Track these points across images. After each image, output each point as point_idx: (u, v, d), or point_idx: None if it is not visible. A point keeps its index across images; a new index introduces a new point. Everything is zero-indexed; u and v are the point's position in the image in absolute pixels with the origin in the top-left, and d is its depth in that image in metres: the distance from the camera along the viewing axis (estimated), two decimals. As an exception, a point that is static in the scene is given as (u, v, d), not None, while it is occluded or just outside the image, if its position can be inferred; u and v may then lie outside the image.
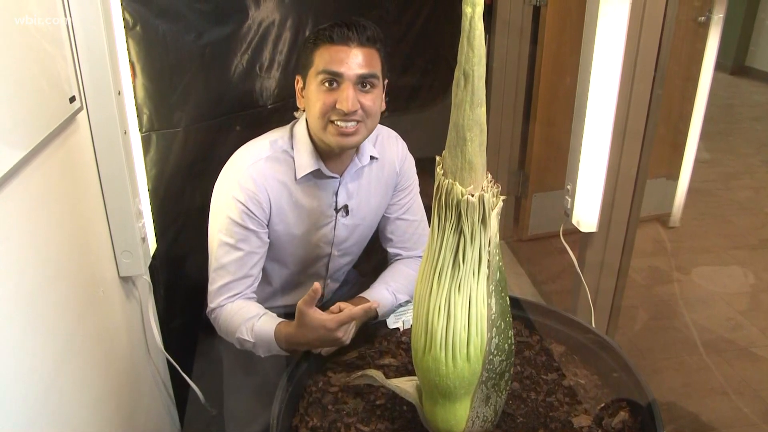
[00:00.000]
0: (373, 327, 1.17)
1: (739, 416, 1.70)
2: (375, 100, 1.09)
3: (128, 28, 1.18)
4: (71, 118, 0.90)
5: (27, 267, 0.74)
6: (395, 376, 1.01)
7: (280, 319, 1.10)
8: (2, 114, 0.67)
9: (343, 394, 1.01)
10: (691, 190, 2.70)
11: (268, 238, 1.19)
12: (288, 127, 1.20)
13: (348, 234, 1.27)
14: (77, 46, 0.93)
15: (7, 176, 0.68)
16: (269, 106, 1.54)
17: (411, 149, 1.32)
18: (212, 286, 1.16)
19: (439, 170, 0.75)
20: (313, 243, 1.25)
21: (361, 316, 1.03)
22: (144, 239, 1.13)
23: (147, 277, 1.19)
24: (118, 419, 1.04)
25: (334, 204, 1.22)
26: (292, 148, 1.16)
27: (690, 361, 1.93)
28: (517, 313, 1.17)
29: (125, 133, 1.05)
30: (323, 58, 1.06)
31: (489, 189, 0.74)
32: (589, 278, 1.51)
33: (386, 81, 1.15)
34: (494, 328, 0.79)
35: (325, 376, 1.05)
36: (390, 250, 1.34)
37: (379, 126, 1.21)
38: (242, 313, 1.13)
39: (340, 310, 1.02)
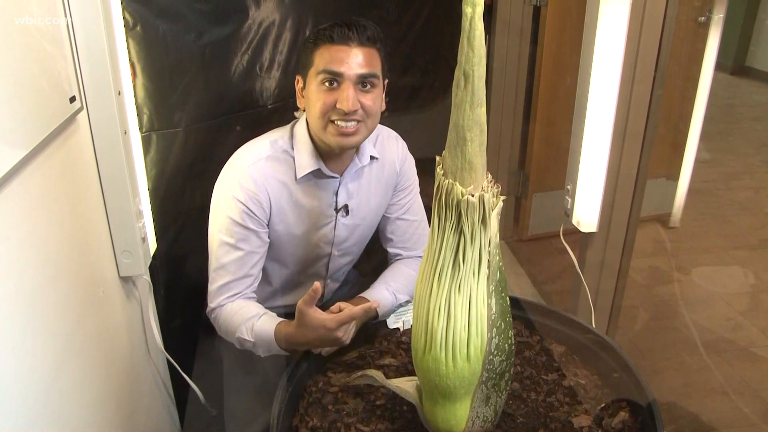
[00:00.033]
0: (373, 327, 1.17)
1: (739, 416, 1.70)
2: (375, 99, 1.09)
3: (128, 28, 1.18)
4: (71, 118, 0.90)
5: (27, 267, 0.74)
6: (395, 376, 1.01)
7: (280, 319, 1.10)
8: (2, 114, 0.67)
9: (343, 394, 1.01)
10: (692, 191, 2.70)
11: (268, 237, 1.19)
12: (288, 127, 1.20)
13: (348, 234, 1.27)
14: (77, 46, 0.93)
15: (8, 176, 0.68)
16: (269, 106, 1.54)
17: (411, 149, 1.32)
18: (212, 286, 1.16)
19: (439, 170, 0.75)
20: (313, 243, 1.25)
21: (361, 316, 1.03)
22: (144, 239, 1.13)
23: (147, 277, 1.19)
24: (118, 419, 1.04)
25: (334, 204, 1.22)
26: (293, 148, 1.16)
27: (690, 362, 1.93)
28: (518, 313, 1.17)
29: (125, 133, 1.05)
30: (323, 57, 1.06)
31: (489, 189, 0.74)
32: (589, 278, 1.51)
33: (386, 81, 1.15)
34: (494, 329, 0.79)
35: (325, 376, 1.05)
36: (390, 250, 1.34)
37: (379, 126, 1.21)
38: (242, 312, 1.13)
39: (340, 310, 1.02)
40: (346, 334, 1.03)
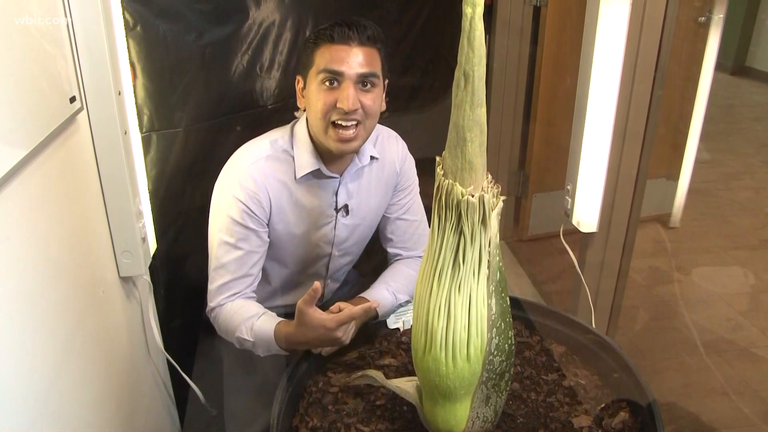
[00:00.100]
0: (373, 327, 1.17)
1: (740, 416, 1.70)
2: (375, 99, 1.09)
3: (129, 29, 1.18)
4: (71, 119, 0.90)
5: (27, 267, 0.74)
6: (395, 377, 1.01)
7: (280, 319, 1.10)
8: (2, 114, 0.67)
9: (343, 395, 1.01)
10: (692, 191, 2.70)
11: (268, 237, 1.19)
12: (288, 126, 1.21)
13: (348, 234, 1.27)
14: (77, 46, 0.93)
15: (8, 176, 0.68)
16: (269, 107, 1.54)
17: (411, 149, 1.32)
18: (212, 285, 1.16)
19: (439, 171, 0.75)
20: (313, 242, 1.25)
21: (360, 316, 1.03)
22: (144, 239, 1.13)
23: (147, 278, 1.19)
24: (118, 419, 1.04)
25: (334, 204, 1.22)
26: (293, 148, 1.16)
27: (690, 362, 1.93)
28: (518, 313, 1.17)
29: (125, 133, 1.05)
30: (324, 57, 1.06)
31: (489, 189, 0.74)
32: (589, 278, 1.51)
33: (386, 81, 1.15)
34: (494, 329, 0.79)
35: (325, 377, 1.05)
36: (390, 250, 1.34)
37: (379, 126, 1.21)
38: (242, 312, 1.13)
39: (340, 310, 1.02)
40: (346, 334, 1.03)
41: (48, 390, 0.78)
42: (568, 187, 1.47)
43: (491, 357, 0.80)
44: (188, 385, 1.29)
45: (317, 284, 0.95)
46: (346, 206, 1.23)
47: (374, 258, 1.43)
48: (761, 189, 3.23)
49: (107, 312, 1.04)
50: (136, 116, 1.17)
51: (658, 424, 0.87)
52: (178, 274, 1.42)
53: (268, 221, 1.17)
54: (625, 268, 1.53)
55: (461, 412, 0.84)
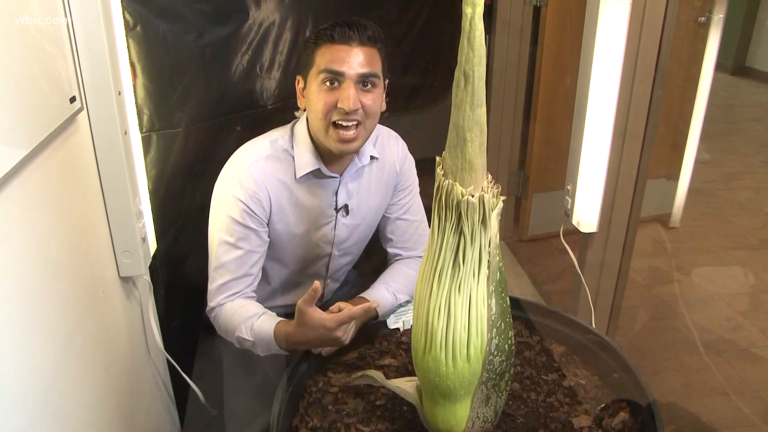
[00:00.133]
0: (373, 327, 1.17)
1: (740, 417, 1.70)
2: (376, 99, 1.09)
3: (129, 29, 1.18)
4: (71, 119, 0.90)
5: (27, 267, 0.74)
6: (395, 377, 1.01)
7: (280, 318, 1.10)
8: (2, 114, 0.67)
9: (343, 395, 1.01)
10: (692, 191, 2.70)
11: (268, 237, 1.19)
12: (288, 126, 1.21)
13: (348, 234, 1.27)
14: (77, 46, 0.93)
15: (8, 176, 0.68)
16: (269, 107, 1.54)
17: (411, 150, 1.32)
18: (212, 285, 1.16)
19: (439, 171, 0.75)
20: (313, 242, 1.25)
21: (360, 315, 1.03)
22: (144, 239, 1.13)
23: (147, 278, 1.19)
24: (118, 419, 1.04)
25: (334, 203, 1.22)
26: (293, 148, 1.16)
27: (690, 362, 1.93)
28: (518, 313, 1.17)
29: (125, 133, 1.05)
30: (324, 57, 1.06)
31: (489, 189, 0.74)
32: (589, 279, 1.51)
33: (387, 81, 1.15)
34: (494, 329, 0.79)
35: (325, 377, 1.05)
36: (390, 250, 1.34)
37: (379, 126, 1.21)
38: (242, 312, 1.13)
39: (340, 310, 1.02)
40: (346, 333, 1.03)
41: (48, 390, 0.78)
42: (568, 187, 1.47)
43: (491, 357, 0.80)
44: (188, 385, 1.29)
45: (317, 284, 0.95)
46: (346, 206, 1.23)
47: (374, 258, 1.43)
48: (761, 189, 3.23)
49: (107, 312, 1.04)
50: (136, 116, 1.17)
51: (658, 424, 0.87)
52: (178, 274, 1.42)
53: (268, 221, 1.17)
54: (625, 268, 1.53)
55: (461, 412, 0.84)
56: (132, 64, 1.20)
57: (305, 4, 1.53)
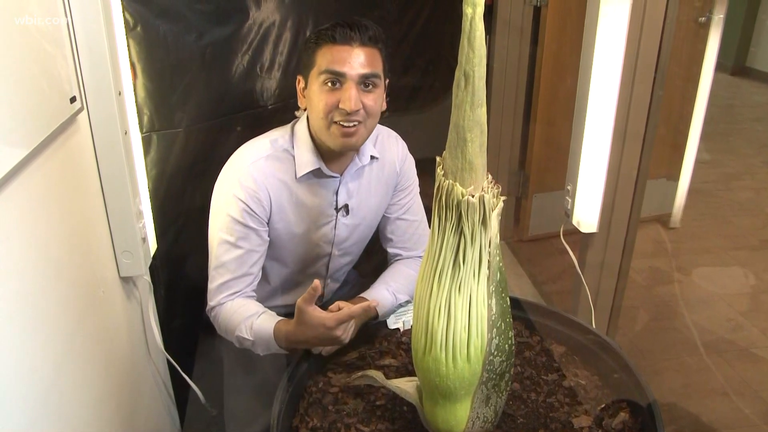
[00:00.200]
0: (373, 327, 1.17)
1: (740, 417, 1.70)
2: (377, 99, 1.09)
3: (129, 29, 1.18)
4: (72, 119, 0.90)
5: (27, 267, 0.74)
6: (395, 377, 1.01)
7: (280, 318, 1.10)
8: (2, 114, 0.67)
9: (343, 395, 1.01)
10: (692, 191, 2.70)
11: (269, 236, 1.19)
12: (289, 126, 1.21)
13: (348, 233, 1.27)
14: (78, 46, 0.93)
15: (8, 176, 0.68)
16: (270, 107, 1.54)
17: (411, 150, 1.32)
18: (212, 284, 1.16)
19: (439, 171, 0.75)
20: (313, 242, 1.25)
21: (360, 314, 1.03)
22: (144, 239, 1.13)
23: (147, 278, 1.19)
24: (118, 419, 1.04)
25: (334, 203, 1.22)
26: (293, 147, 1.16)
27: (690, 362, 1.93)
28: (518, 313, 1.17)
29: (126, 133, 1.05)
30: (326, 57, 1.06)
31: (489, 190, 0.74)
32: (589, 279, 1.51)
33: (387, 81, 1.15)
34: (494, 329, 0.79)
35: (325, 377, 1.05)
36: (390, 250, 1.34)
37: (379, 126, 1.21)
38: (242, 311, 1.13)
39: (339, 309, 1.02)
40: (345, 333, 1.03)
41: (48, 390, 0.78)
42: (569, 188, 1.47)
43: (491, 357, 0.80)
44: (188, 385, 1.29)
45: (317, 282, 0.95)
46: (346, 206, 1.23)
47: (374, 258, 1.43)
48: (761, 189, 3.23)
49: (107, 312, 1.04)
50: (136, 116, 1.17)
51: (658, 424, 0.87)
52: (179, 274, 1.42)
53: (268, 220, 1.17)
54: (626, 268, 1.53)
55: (461, 412, 0.84)
56: (132, 65, 1.20)
57: (305, 4, 1.53)
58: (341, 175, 1.19)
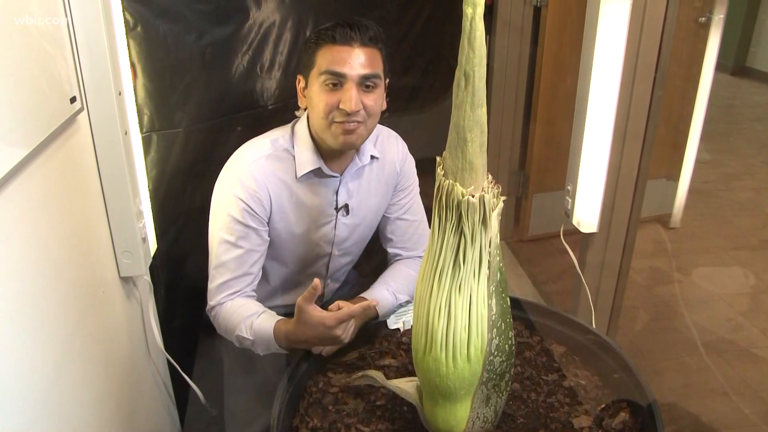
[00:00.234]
0: (373, 327, 1.17)
1: (740, 417, 1.70)
2: (377, 100, 1.10)
3: (129, 29, 1.18)
4: (72, 119, 0.90)
5: (27, 267, 0.74)
6: (396, 377, 1.01)
7: (280, 317, 1.10)
8: (2, 114, 0.67)
9: (343, 395, 1.01)
10: (692, 191, 2.70)
11: (269, 236, 1.19)
12: (289, 126, 1.21)
13: (348, 233, 1.27)
14: (78, 46, 0.93)
15: (8, 176, 0.68)
16: (270, 107, 1.54)
17: (411, 150, 1.32)
18: (212, 284, 1.16)
19: (439, 171, 0.75)
20: (313, 242, 1.25)
21: (360, 314, 1.03)
22: (144, 239, 1.13)
23: (147, 278, 1.19)
24: (118, 419, 1.04)
25: (334, 203, 1.22)
26: (293, 147, 1.17)
27: (690, 362, 1.93)
28: (518, 313, 1.17)
29: (126, 133, 1.05)
30: (326, 58, 1.06)
31: (489, 190, 0.74)
32: (589, 279, 1.51)
33: (387, 80, 1.15)
34: (495, 329, 0.79)
35: (325, 377, 1.05)
36: (390, 250, 1.34)
37: (379, 126, 1.21)
38: (241, 310, 1.13)
39: (339, 308, 1.02)
40: (345, 332, 1.03)
41: (48, 390, 0.78)
42: (569, 188, 1.47)
43: (491, 357, 0.80)
44: (188, 386, 1.29)
45: (317, 281, 0.95)
46: (346, 205, 1.23)
47: (374, 258, 1.43)
48: (762, 189, 3.23)
49: (107, 312, 1.04)
50: (136, 116, 1.17)
51: (658, 424, 0.87)
52: (179, 274, 1.42)
53: (269, 220, 1.17)
54: (626, 268, 1.53)
55: (461, 412, 0.84)
56: (132, 65, 1.20)
57: (305, 4, 1.53)
58: (341, 175, 1.19)
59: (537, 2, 2.24)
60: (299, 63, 1.17)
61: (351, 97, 1.05)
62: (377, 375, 0.95)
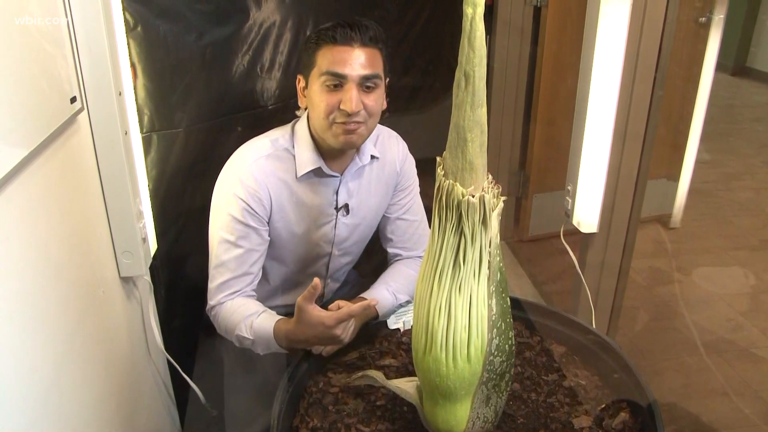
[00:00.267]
0: (373, 327, 1.17)
1: (740, 417, 1.70)
2: (377, 99, 1.10)
3: (129, 29, 1.18)
4: (72, 119, 0.90)
5: (28, 267, 0.74)
6: (396, 377, 1.01)
7: (280, 317, 1.10)
8: (2, 114, 0.67)
9: (343, 395, 1.01)
10: (692, 191, 2.70)
11: (269, 235, 1.19)
12: (289, 125, 1.21)
13: (348, 233, 1.27)
14: (78, 46, 0.93)
15: (8, 177, 0.68)
16: (270, 107, 1.54)
17: (411, 150, 1.32)
18: (212, 284, 1.16)
19: (439, 171, 0.75)
20: (313, 242, 1.25)
21: (359, 313, 1.03)
22: (145, 239, 1.13)
23: (147, 278, 1.19)
24: (118, 419, 1.04)
25: (334, 203, 1.22)
26: (293, 147, 1.17)
27: (690, 362, 1.93)
28: (518, 313, 1.17)
29: (126, 133, 1.05)
30: (326, 58, 1.06)
31: (489, 190, 0.74)
32: (589, 279, 1.51)
33: (387, 80, 1.15)
34: (495, 329, 0.79)
35: (325, 377, 1.05)
36: (390, 250, 1.34)
37: (379, 126, 1.21)
38: (241, 310, 1.13)
39: (339, 308, 1.02)
40: (345, 332, 1.02)
41: (48, 390, 0.78)
42: (569, 188, 1.47)
43: (491, 357, 0.80)
44: (188, 386, 1.29)
45: (317, 280, 0.95)
46: (346, 205, 1.23)
47: (374, 258, 1.43)
48: (762, 189, 3.23)
49: (107, 312, 1.04)
50: (136, 116, 1.17)
51: (658, 424, 0.87)
52: (179, 274, 1.42)
53: (269, 220, 1.18)
54: (626, 268, 1.53)
55: (461, 412, 0.84)
56: (132, 65, 1.20)
57: (305, 4, 1.53)
58: (341, 175, 1.19)
59: (537, 2, 2.24)
60: (299, 63, 1.17)
61: (352, 98, 1.05)
62: (377, 375, 0.95)
